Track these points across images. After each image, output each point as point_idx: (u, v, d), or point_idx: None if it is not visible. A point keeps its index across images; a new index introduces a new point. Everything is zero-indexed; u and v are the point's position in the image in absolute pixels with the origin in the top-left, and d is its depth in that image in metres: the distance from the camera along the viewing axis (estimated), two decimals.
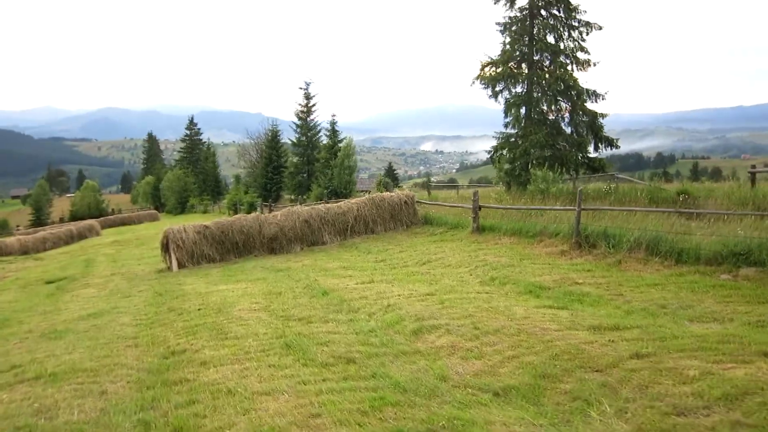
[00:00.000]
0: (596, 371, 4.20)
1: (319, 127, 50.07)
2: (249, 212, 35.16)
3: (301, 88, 49.50)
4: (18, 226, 61.27)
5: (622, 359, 4.35)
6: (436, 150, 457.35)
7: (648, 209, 12.23)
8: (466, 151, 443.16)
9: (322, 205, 16.43)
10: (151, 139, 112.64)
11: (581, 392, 3.86)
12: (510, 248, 11.62)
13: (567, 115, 26.43)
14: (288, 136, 52.45)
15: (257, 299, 8.29)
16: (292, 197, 48.43)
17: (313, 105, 49.90)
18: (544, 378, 4.16)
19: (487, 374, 4.40)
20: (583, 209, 11.07)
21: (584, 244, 10.66)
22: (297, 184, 49.08)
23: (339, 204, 16.28)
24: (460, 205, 16.44)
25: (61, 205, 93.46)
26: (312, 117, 49.93)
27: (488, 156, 28.89)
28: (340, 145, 45.24)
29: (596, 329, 5.25)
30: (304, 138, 49.67)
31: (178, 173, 63.60)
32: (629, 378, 4.00)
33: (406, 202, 16.87)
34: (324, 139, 48.88)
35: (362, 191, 45.49)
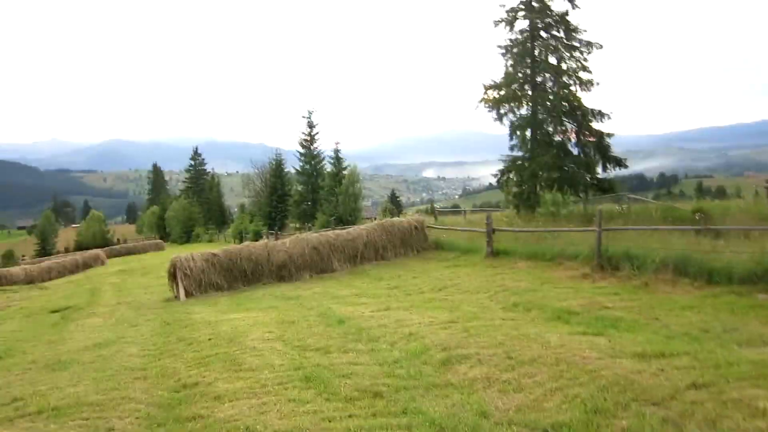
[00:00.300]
0: (653, 404, 3.82)
1: (322, 155, 50.13)
2: (255, 240, 34.89)
3: (304, 117, 49.77)
4: (23, 256, 61.10)
5: (679, 390, 3.98)
6: (438, 176, 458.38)
7: (673, 227, 11.87)
8: (468, 177, 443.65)
9: (331, 231, 16.11)
10: (156, 170, 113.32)
11: (642, 429, 3.48)
12: (528, 272, 11.25)
13: (573, 136, 26.30)
14: (292, 166, 52.49)
15: (270, 328, 7.92)
16: (297, 225, 48.24)
17: (316, 133, 50.09)
18: (597, 413, 3.78)
19: (531, 409, 4.02)
20: (605, 230, 10.72)
21: (607, 267, 10.31)
22: (302, 213, 48.90)
23: (348, 230, 15.98)
24: (472, 229, 16.11)
25: (66, 236, 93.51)
26: (315, 145, 50.05)
27: (495, 180, 28.64)
28: (345, 172, 45.17)
29: (641, 357, 4.88)
30: (308, 166, 49.70)
31: (183, 203, 63.61)
32: (692, 411, 3.63)
33: (416, 227, 16.55)
34: (328, 167, 48.93)
35: (367, 218, 45.28)
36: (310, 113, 49.30)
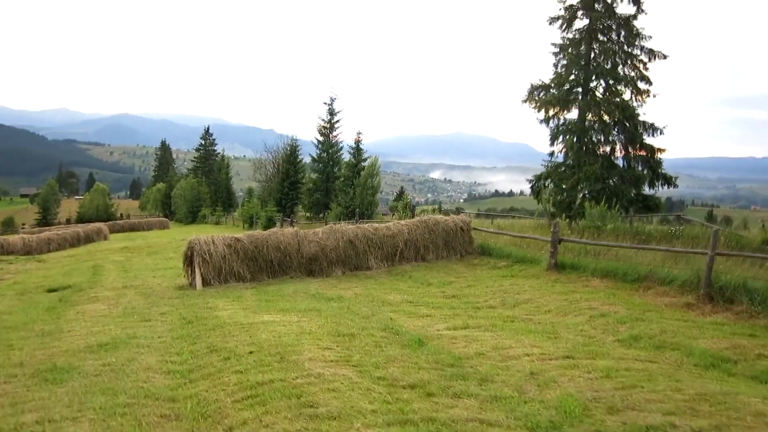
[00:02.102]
0: None
1: (341, 145, 48.37)
2: (267, 227, 33.14)
3: (325, 104, 47.94)
4: (23, 224, 59.49)
5: None
6: (445, 178, 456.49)
7: None
8: (475, 182, 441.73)
9: (368, 224, 14.38)
10: (164, 147, 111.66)
11: None
12: (611, 294, 9.49)
13: (620, 147, 24.49)
14: (308, 153, 50.68)
15: (325, 342, 6.20)
16: (308, 215, 46.51)
17: (337, 121, 48.24)
18: None
19: None
20: (719, 254, 8.94)
21: (718, 299, 8.54)
22: (314, 202, 47.17)
23: (387, 225, 14.24)
24: (533, 236, 14.32)
25: (68, 207, 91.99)
26: (335, 133, 48.24)
27: (530, 186, 26.84)
28: (364, 163, 43.42)
29: None
30: (325, 155, 47.89)
31: (191, 182, 61.87)
32: None
33: (462, 228, 14.81)
34: (346, 157, 47.16)
35: (384, 215, 43.55)
36: (332, 100, 47.46)
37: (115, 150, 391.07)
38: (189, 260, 12.11)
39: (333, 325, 7.15)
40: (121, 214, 77.02)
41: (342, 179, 44.83)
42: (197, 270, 11.69)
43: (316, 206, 47.05)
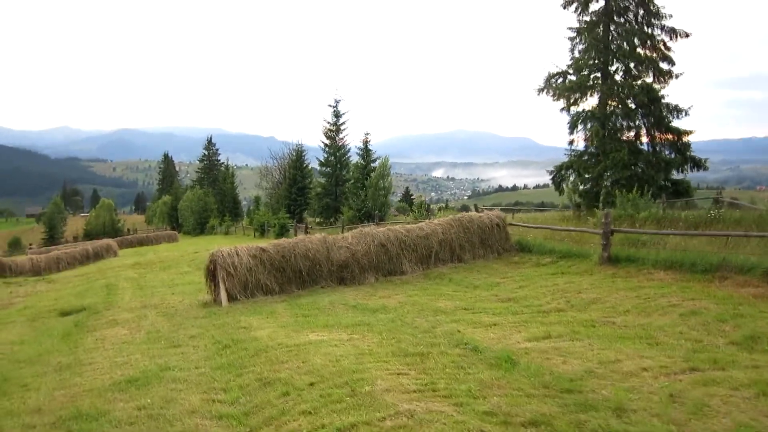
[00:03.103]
0: None
1: (348, 147, 47.49)
2: (280, 234, 32.24)
3: (330, 106, 47.16)
4: (30, 244, 58.78)
5: None
6: (448, 176, 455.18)
7: None
8: (478, 178, 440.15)
9: (400, 226, 13.44)
10: (167, 160, 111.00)
11: None
12: (684, 287, 8.51)
13: (644, 132, 23.51)
14: (315, 157, 49.78)
15: (393, 365, 5.27)
16: (318, 220, 45.60)
17: (343, 123, 47.37)
18: None
19: None
20: None
21: None
22: (324, 206, 46.28)
23: (420, 225, 13.29)
24: (579, 229, 13.35)
25: (75, 224, 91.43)
26: (341, 136, 47.37)
27: (551, 177, 25.82)
28: (374, 164, 42.50)
29: None
30: (332, 158, 47.00)
31: (198, 193, 61.03)
32: None
33: (497, 224, 13.86)
34: (354, 159, 46.29)
35: (393, 215, 42.60)
36: (336, 102, 46.64)
37: (118, 165, 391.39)
38: (212, 274, 11.19)
39: (393, 343, 6.22)
40: (128, 229, 76.27)
41: (352, 182, 43.96)
42: (222, 285, 10.77)
43: (326, 211, 46.18)
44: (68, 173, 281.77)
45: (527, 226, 14.75)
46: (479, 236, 13.49)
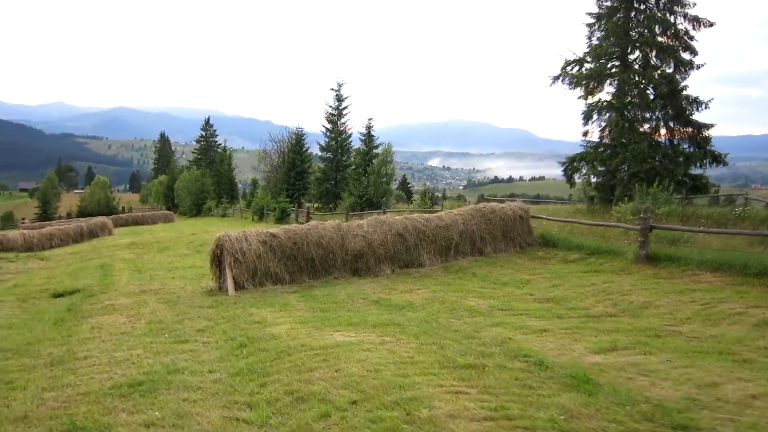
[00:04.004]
0: None
1: (349, 132, 46.51)
2: (280, 219, 31.40)
3: (332, 89, 46.11)
4: (23, 218, 57.65)
5: None
6: (443, 166, 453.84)
7: None
8: (473, 169, 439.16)
9: (418, 215, 12.62)
10: (163, 140, 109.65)
11: None
12: (741, 292, 7.75)
13: (663, 124, 22.69)
14: (316, 141, 48.76)
15: (446, 379, 4.49)
16: (316, 205, 44.71)
17: (345, 108, 46.31)
18: None
19: None
20: None
21: None
22: (324, 192, 45.40)
23: (439, 215, 12.48)
24: (612, 224, 12.55)
25: (69, 201, 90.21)
26: (343, 120, 46.36)
27: (563, 169, 24.97)
28: (376, 151, 41.59)
29: None
30: (333, 143, 46.02)
31: (195, 173, 59.94)
32: None
33: (521, 216, 13.06)
34: (356, 144, 45.35)
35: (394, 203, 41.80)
36: (339, 86, 45.56)
37: (113, 143, 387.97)
38: (217, 260, 10.36)
39: (435, 350, 5.42)
40: (123, 208, 75.17)
41: (353, 167, 43.06)
42: (228, 272, 9.94)
43: (325, 196, 45.31)
44: (63, 149, 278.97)
45: (553, 219, 13.95)
46: (501, 228, 12.70)
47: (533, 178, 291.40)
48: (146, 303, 9.24)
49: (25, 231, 28.78)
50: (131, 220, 44.31)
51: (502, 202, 15.56)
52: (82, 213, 67.45)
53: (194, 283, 11.31)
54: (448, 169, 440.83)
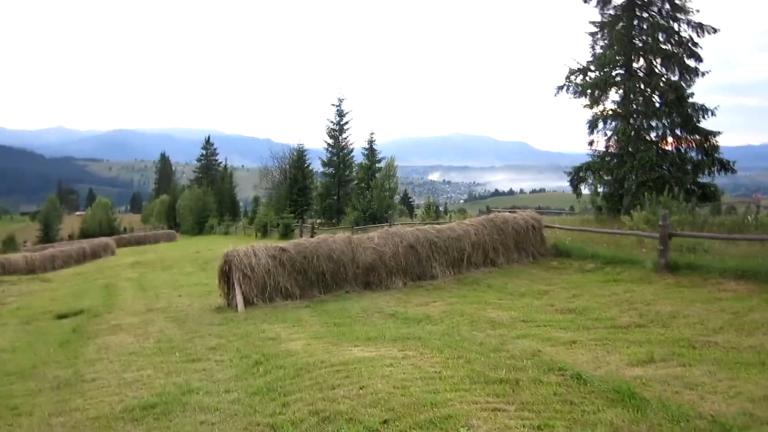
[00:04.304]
0: None
1: (351, 147, 46.45)
2: (284, 235, 31.14)
3: (333, 105, 46.15)
4: (25, 241, 57.44)
5: None
6: (444, 180, 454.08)
7: None
8: (474, 182, 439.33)
9: (429, 226, 12.38)
10: (164, 160, 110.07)
11: None
12: None
13: (671, 131, 22.51)
14: (318, 157, 48.69)
15: (480, 396, 4.21)
16: (320, 221, 44.51)
17: (346, 123, 46.30)
18: None
19: None
20: None
21: None
22: (326, 207, 45.24)
23: (450, 226, 12.23)
24: (625, 232, 12.28)
25: (71, 223, 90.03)
26: (345, 135, 46.33)
27: (569, 180, 24.72)
28: (379, 165, 41.49)
29: None
30: (335, 158, 45.95)
31: (197, 192, 59.84)
32: None
33: (533, 226, 12.81)
34: (358, 159, 45.29)
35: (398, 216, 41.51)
36: (340, 101, 45.58)
37: (113, 165, 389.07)
38: (225, 276, 10.09)
39: (462, 364, 5.14)
40: (125, 228, 75.03)
41: (356, 182, 42.93)
42: (237, 288, 9.67)
43: (328, 211, 45.15)
44: (64, 173, 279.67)
45: (567, 229, 13.70)
46: (514, 239, 12.45)
47: (534, 191, 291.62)
48: (153, 322, 8.97)
49: (27, 254, 28.55)
50: (134, 240, 44.10)
51: (513, 212, 15.35)
52: (84, 235, 67.27)
53: (202, 301, 11.04)
54: (449, 183, 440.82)
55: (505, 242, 12.30)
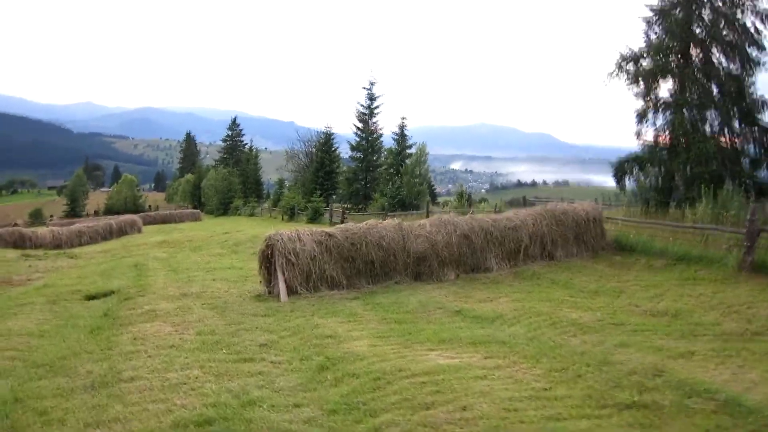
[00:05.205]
0: None
1: (381, 131, 45.49)
2: (313, 219, 30.43)
3: (364, 88, 45.12)
4: (51, 216, 57.78)
5: None
6: (466, 169, 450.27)
7: None
8: (496, 172, 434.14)
9: (484, 214, 11.46)
10: (189, 139, 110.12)
11: None
12: None
13: (728, 124, 21.18)
14: (347, 141, 47.83)
15: (612, 422, 3.32)
16: (345, 206, 43.78)
17: (377, 107, 45.26)
18: None
19: None
20: None
21: None
22: (354, 192, 44.45)
23: (507, 215, 11.31)
24: (710, 227, 11.23)
25: (96, 199, 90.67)
26: (374, 120, 45.34)
27: (613, 172, 23.52)
28: (409, 150, 40.54)
29: None
30: (364, 142, 45.04)
31: (222, 172, 59.49)
32: None
33: (594, 218, 11.82)
34: (386, 145, 44.38)
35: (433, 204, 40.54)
36: (371, 84, 44.54)
37: (139, 143, 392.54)
38: (267, 262, 9.32)
39: (572, 379, 4.27)
40: (150, 206, 75.21)
41: (384, 167, 42.06)
42: (280, 275, 8.89)
43: (354, 197, 44.36)
44: (90, 148, 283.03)
45: (631, 221, 12.67)
46: (574, 231, 11.49)
47: (557, 182, 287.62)
48: (191, 309, 8.22)
49: (54, 228, 28.28)
50: (159, 218, 43.87)
51: (532, 204, 14.39)
52: (110, 211, 67.57)
53: (239, 286, 10.29)
54: (471, 172, 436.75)
55: (564, 234, 11.35)
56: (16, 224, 40.51)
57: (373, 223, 10.03)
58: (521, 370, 4.59)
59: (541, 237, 11.07)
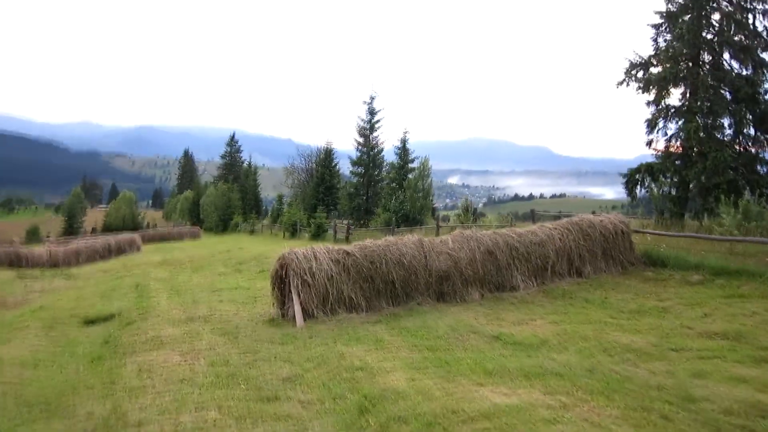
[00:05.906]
0: None
1: (382, 146, 44.98)
2: (316, 235, 29.76)
3: (365, 102, 44.73)
4: (48, 234, 56.94)
5: None
6: (463, 183, 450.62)
7: None
8: (493, 186, 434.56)
9: (508, 229, 10.82)
10: (187, 157, 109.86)
11: None
12: None
13: (743, 131, 20.70)
14: (348, 156, 47.33)
15: None
16: (348, 221, 43.10)
17: (377, 121, 44.80)
18: None
19: None
20: None
21: None
22: (355, 207, 43.81)
23: (532, 230, 10.66)
24: (745, 239, 10.60)
25: (93, 217, 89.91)
26: (375, 134, 44.85)
27: (624, 182, 22.99)
28: (412, 164, 39.98)
29: None
30: (365, 157, 44.51)
31: (221, 188, 58.85)
32: None
33: (622, 231, 11.20)
34: (388, 158, 43.86)
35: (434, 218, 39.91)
36: (371, 98, 44.12)
37: (136, 161, 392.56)
38: (280, 282, 8.67)
39: (658, 421, 3.65)
40: (148, 224, 74.45)
41: (386, 182, 41.48)
42: (296, 297, 8.23)
43: (356, 212, 43.72)
44: (88, 167, 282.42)
45: (662, 234, 12.04)
46: (601, 245, 10.86)
47: (554, 196, 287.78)
48: (199, 335, 7.56)
49: (51, 248, 27.55)
50: (158, 236, 43.17)
51: (540, 218, 13.75)
52: (108, 228, 66.77)
53: (248, 309, 9.65)
54: (468, 186, 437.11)
55: (591, 249, 10.72)
56: (12, 242, 39.72)
57: (393, 240, 9.39)
58: (593, 409, 3.95)
59: (568, 252, 10.44)
